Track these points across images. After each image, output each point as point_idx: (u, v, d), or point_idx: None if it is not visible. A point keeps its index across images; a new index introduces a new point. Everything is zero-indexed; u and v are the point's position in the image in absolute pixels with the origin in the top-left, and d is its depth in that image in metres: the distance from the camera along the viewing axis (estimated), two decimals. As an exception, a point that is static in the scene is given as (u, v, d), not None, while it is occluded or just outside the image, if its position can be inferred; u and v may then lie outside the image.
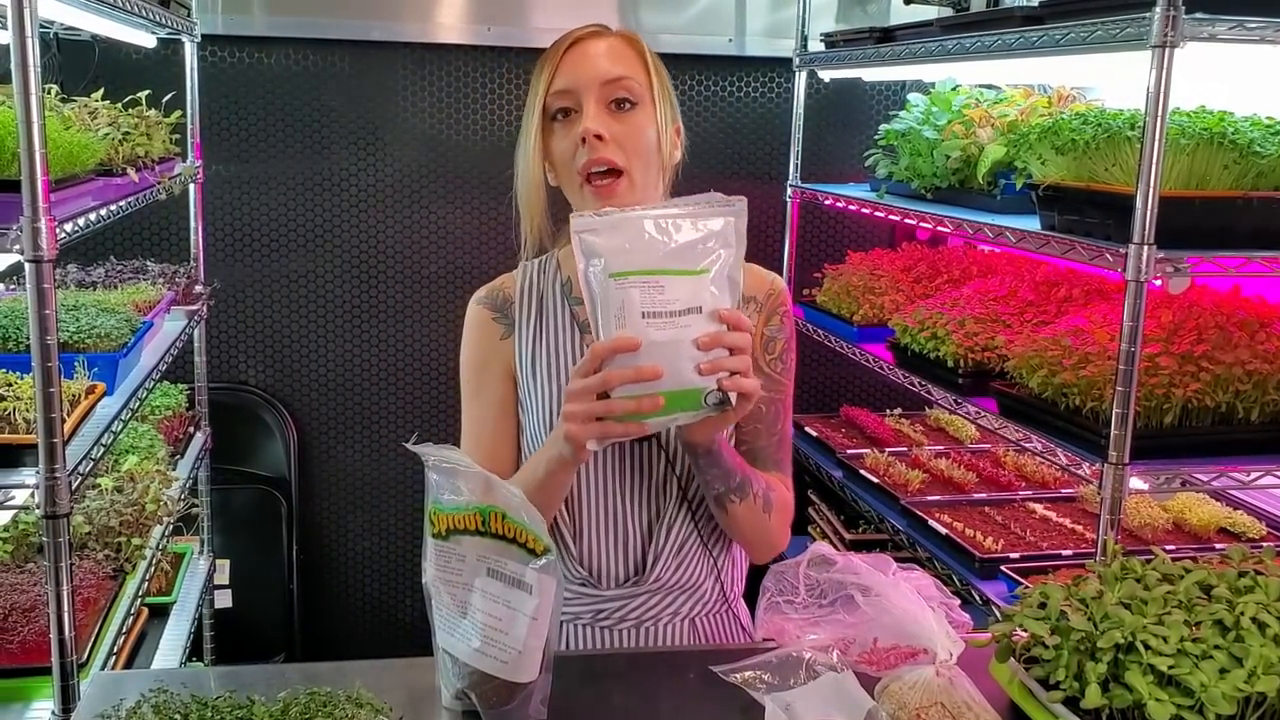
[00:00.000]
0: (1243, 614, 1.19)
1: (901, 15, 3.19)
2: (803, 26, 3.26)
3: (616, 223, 1.37)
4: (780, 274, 3.35)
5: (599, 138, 1.50)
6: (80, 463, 1.65)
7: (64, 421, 1.58)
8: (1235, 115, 1.93)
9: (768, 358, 1.64)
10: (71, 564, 1.62)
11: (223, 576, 3.26)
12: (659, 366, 1.33)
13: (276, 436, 3.40)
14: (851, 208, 3.02)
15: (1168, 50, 1.66)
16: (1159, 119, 1.68)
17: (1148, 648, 1.15)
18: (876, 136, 3.11)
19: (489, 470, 1.22)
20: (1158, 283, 1.77)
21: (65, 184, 1.81)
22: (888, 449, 3.01)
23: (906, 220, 2.71)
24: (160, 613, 2.68)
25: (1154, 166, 1.70)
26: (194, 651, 2.98)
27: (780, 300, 1.68)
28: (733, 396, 1.36)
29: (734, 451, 1.54)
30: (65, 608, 1.59)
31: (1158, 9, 1.65)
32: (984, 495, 2.66)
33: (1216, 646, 1.15)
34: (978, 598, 2.20)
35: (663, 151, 1.57)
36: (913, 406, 3.39)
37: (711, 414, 1.37)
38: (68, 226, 1.65)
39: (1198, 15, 1.66)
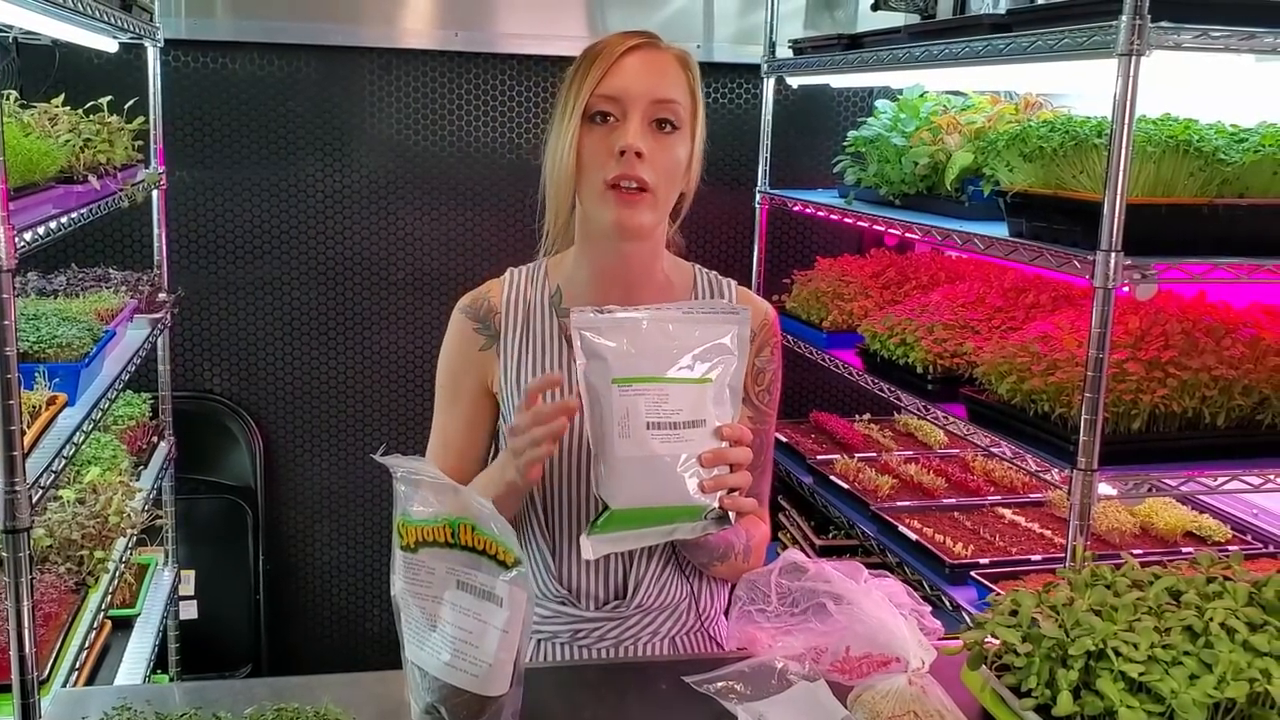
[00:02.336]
0: (1212, 620, 1.19)
1: (869, 22, 3.20)
2: (771, 33, 3.26)
3: (620, 323, 1.36)
4: (749, 279, 3.36)
5: (639, 155, 1.47)
6: (41, 475, 1.62)
7: (23, 434, 1.55)
8: (1201, 123, 1.94)
9: (756, 389, 1.64)
10: (32, 578, 1.59)
11: (188, 588, 3.23)
12: (574, 402, 1.36)
13: (242, 445, 3.36)
14: (820, 214, 3.03)
15: (1134, 58, 1.67)
16: (1125, 127, 1.69)
17: (1118, 655, 1.16)
18: (844, 143, 3.11)
19: (453, 480, 1.21)
20: (1125, 289, 1.78)
21: (24, 192, 1.78)
22: (857, 454, 3.02)
23: (875, 226, 2.72)
24: (124, 625, 2.64)
25: (1121, 174, 1.71)
26: (159, 664, 2.94)
27: (772, 331, 1.68)
28: (732, 515, 1.36)
29: None
30: (25, 624, 1.56)
31: (1124, 17, 1.66)
32: (953, 500, 2.66)
33: (1186, 653, 1.16)
34: (948, 603, 2.20)
35: (689, 176, 1.56)
36: (881, 411, 3.40)
37: (711, 529, 1.37)
38: (27, 235, 1.62)
39: (1163, 24, 1.67)
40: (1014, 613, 1.28)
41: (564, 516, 1.58)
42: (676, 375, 1.35)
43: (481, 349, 1.63)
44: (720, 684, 1.35)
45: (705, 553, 1.55)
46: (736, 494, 1.36)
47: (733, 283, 1.70)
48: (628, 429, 1.33)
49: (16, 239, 1.51)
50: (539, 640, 1.60)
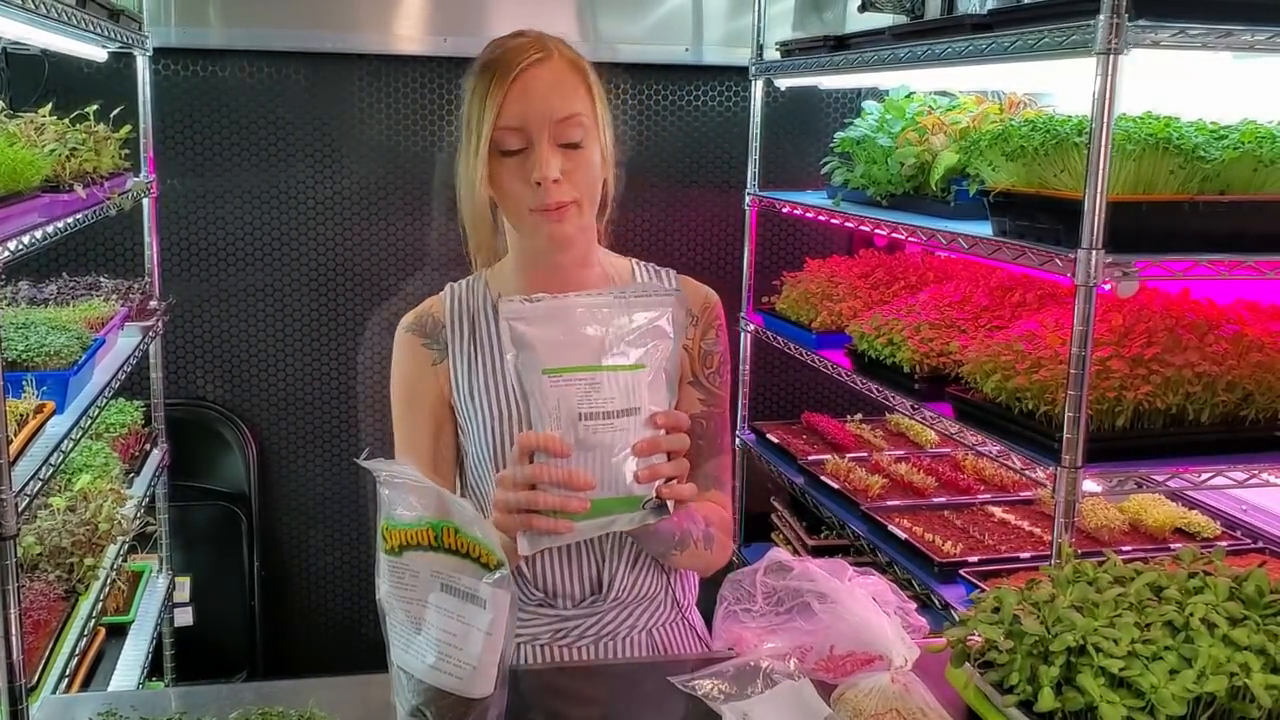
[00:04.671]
0: (1192, 615, 1.20)
1: (857, 24, 3.21)
2: (759, 35, 3.27)
3: (550, 311, 1.33)
4: (740, 281, 3.36)
5: (556, 181, 1.47)
6: (28, 483, 1.63)
7: (10, 441, 1.56)
8: (1181, 120, 1.95)
9: (706, 371, 1.64)
10: (21, 586, 1.59)
11: (183, 594, 3.23)
12: (590, 476, 1.28)
13: (236, 452, 3.37)
14: (809, 215, 3.04)
15: (1112, 57, 1.68)
16: (1105, 125, 1.70)
17: (1099, 650, 1.17)
18: (832, 144, 3.12)
19: None
20: (1107, 287, 1.79)
21: (9, 201, 1.78)
22: (848, 454, 3.02)
23: (862, 227, 2.73)
24: (119, 632, 2.65)
25: (1101, 172, 1.71)
26: (154, 670, 2.94)
27: (715, 314, 1.67)
28: (670, 503, 1.33)
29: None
30: (14, 631, 1.56)
31: (1102, 16, 1.67)
32: (943, 499, 2.67)
33: (1167, 647, 1.17)
34: (937, 602, 2.21)
35: (605, 169, 1.57)
36: (873, 411, 3.41)
37: (649, 519, 1.33)
38: (11, 245, 1.63)
39: (1141, 22, 1.68)
40: (997, 610, 1.28)
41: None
42: (609, 363, 1.32)
43: (434, 364, 1.63)
44: (705, 683, 1.36)
45: (660, 543, 1.52)
46: (674, 482, 1.33)
47: (672, 272, 1.70)
48: (559, 421, 1.29)
49: (1, 249, 1.52)
50: (520, 644, 1.60)
